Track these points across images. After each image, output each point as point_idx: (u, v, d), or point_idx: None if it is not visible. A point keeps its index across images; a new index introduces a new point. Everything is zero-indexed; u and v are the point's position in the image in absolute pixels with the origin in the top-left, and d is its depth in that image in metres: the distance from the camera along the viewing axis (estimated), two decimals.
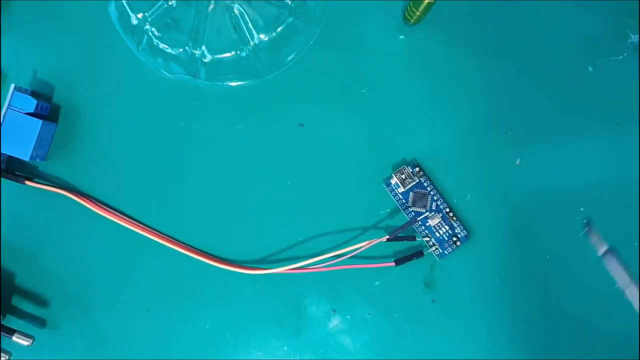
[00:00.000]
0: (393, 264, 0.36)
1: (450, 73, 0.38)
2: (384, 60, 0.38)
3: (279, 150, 0.38)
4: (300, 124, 0.38)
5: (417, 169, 0.37)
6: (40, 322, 0.37)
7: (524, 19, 0.38)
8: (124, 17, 0.36)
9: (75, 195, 0.37)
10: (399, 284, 0.37)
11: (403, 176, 0.37)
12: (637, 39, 0.38)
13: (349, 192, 0.37)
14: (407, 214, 0.37)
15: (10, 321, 0.36)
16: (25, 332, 0.35)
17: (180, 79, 0.37)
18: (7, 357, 0.35)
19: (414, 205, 0.37)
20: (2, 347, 0.35)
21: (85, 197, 0.37)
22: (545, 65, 0.38)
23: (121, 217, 0.37)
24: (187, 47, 0.35)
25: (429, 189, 0.37)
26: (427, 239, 0.37)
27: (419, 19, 0.36)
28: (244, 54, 0.36)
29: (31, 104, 0.35)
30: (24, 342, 0.34)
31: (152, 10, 0.35)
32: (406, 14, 0.37)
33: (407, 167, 0.37)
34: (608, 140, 0.37)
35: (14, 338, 0.34)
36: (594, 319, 0.36)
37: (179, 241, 0.37)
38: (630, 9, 0.38)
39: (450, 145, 0.38)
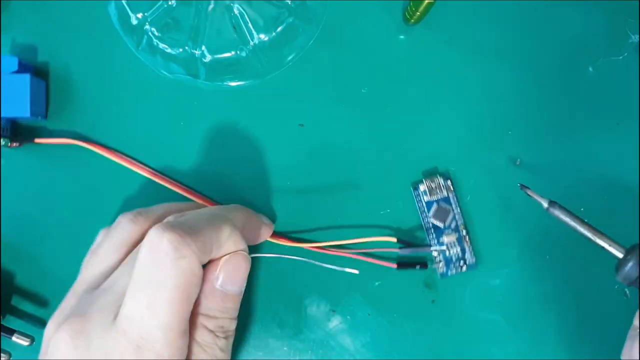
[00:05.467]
0: (395, 266, 0.36)
1: (450, 73, 0.38)
2: (384, 60, 0.38)
3: (279, 150, 0.38)
4: (300, 124, 0.38)
5: (449, 182, 0.37)
6: (40, 322, 0.37)
7: (524, 19, 0.38)
8: (123, 17, 0.36)
9: (87, 143, 0.37)
10: (399, 284, 0.37)
11: (433, 185, 0.36)
12: (638, 38, 0.38)
13: (349, 192, 0.37)
14: (425, 224, 0.37)
15: (10, 321, 0.36)
16: (25, 332, 0.35)
17: (180, 79, 0.37)
18: (6, 357, 0.35)
19: (434, 216, 0.36)
20: (1, 347, 0.35)
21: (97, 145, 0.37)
22: (546, 65, 0.38)
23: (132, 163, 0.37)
24: (186, 47, 0.35)
25: (454, 205, 0.37)
26: (436, 253, 0.36)
27: (419, 19, 0.36)
28: (243, 54, 0.36)
29: (13, 62, 0.35)
30: (24, 342, 0.34)
31: (152, 10, 0.35)
32: (406, 13, 0.37)
33: (439, 177, 0.36)
34: (608, 140, 0.37)
35: (14, 338, 0.34)
36: (594, 318, 0.36)
37: None
38: (631, 8, 0.38)
39: (449, 144, 0.38)
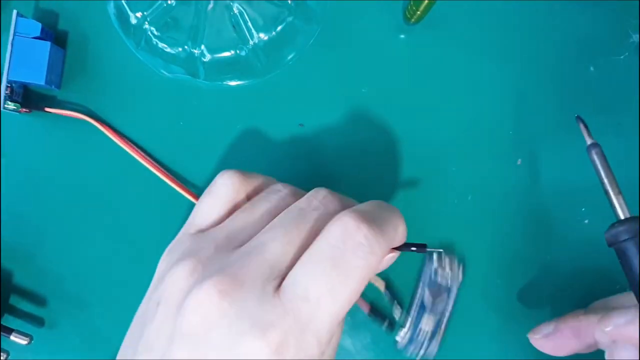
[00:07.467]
0: (368, 308, 0.36)
1: (451, 72, 0.38)
2: (384, 60, 0.38)
3: (279, 150, 0.38)
4: (300, 124, 0.38)
5: (461, 275, 0.36)
6: (38, 321, 0.37)
7: (525, 19, 0.38)
8: (123, 17, 0.36)
9: (97, 121, 0.37)
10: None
11: (447, 269, 0.35)
12: (638, 38, 0.38)
13: (347, 193, 0.37)
14: (417, 292, 0.36)
15: (8, 320, 0.36)
16: (23, 331, 0.35)
17: (180, 78, 0.37)
18: (5, 356, 0.35)
19: (431, 296, 0.35)
20: (0, 346, 0.35)
21: (106, 124, 0.37)
22: (546, 65, 0.38)
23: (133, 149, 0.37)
24: (186, 47, 0.36)
25: (451, 301, 0.35)
26: (407, 326, 0.35)
27: (420, 18, 0.36)
28: (243, 53, 0.36)
29: (36, 27, 0.35)
30: (22, 341, 0.34)
31: (151, 9, 0.35)
32: (406, 13, 0.37)
33: (459, 268, 0.35)
34: (609, 140, 0.37)
35: (12, 337, 0.34)
36: None
37: None
38: (632, 8, 0.38)
39: (450, 144, 0.37)
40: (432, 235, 0.37)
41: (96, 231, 0.37)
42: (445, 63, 0.38)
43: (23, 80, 0.36)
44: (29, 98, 0.37)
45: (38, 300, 0.37)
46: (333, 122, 0.38)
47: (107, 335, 0.37)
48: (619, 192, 0.30)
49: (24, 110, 0.36)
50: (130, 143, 0.37)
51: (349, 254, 0.25)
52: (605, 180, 0.30)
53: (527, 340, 0.36)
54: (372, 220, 0.26)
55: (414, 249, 0.32)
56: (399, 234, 0.28)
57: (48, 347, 0.36)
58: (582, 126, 0.31)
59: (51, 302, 0.37)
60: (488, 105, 0.38)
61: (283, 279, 0.25)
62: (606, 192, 0.30)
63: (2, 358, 0.35)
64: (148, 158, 0.37)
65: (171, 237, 0.36)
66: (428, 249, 0.32)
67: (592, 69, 0.38)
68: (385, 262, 0.28)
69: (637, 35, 0.38)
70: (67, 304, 0.37)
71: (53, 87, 0.37)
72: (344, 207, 0.27)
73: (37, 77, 0.35)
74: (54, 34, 0.37)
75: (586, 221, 0.37)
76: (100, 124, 0.37)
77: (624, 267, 0.29)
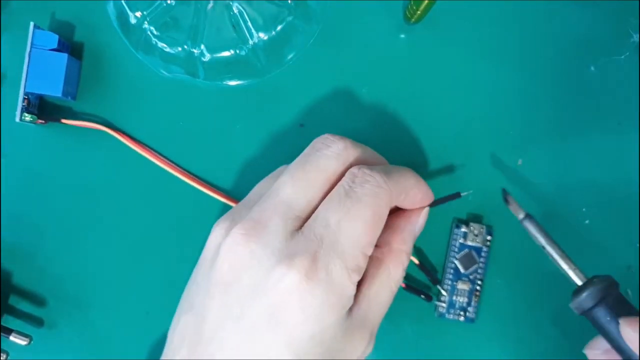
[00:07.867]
0: (403, 285, 0.36)
1: (451, 72, 0.38)
2: (385, 60, 0.38)
3: (279, 150, 0.37)
4: (300, 124, 0.38)
5: (490, 237, 0.36)
6: (38, 322, 0.37)
7: (525, 18, 0.38)
8: (122, 16, 0.36)
9: (113, 131, 0.37)
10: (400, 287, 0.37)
11: (475, 232, 0.36)
12: (639, 38, 0.38)
13: None
14: (447, 261, 0.37)
15: (8, 321, 0.36)
16: (23, 331, 0.35)
17: (179, 78, 0.37)
18: (4, 356, 0.35)
19: (460, 260, 0.36)
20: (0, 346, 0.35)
21: (123, 134, 0.37)
22: (547, 65, 0.38)
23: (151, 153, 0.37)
24: (186, 46, 0.35)
25: (482, 260, 0.36)
26: (444, 293, 0.36)
27: (420, 18, 0.36)
28: (243, 53, 0.36)
29: (53, 39, 0.35)
30: (21, 341, 0.34)
31: (151, 9, 0.35)
32: (407, 12, 0.36)
33: (483, 227, 0.36)
34: (610, 139, 0.37)
35: (12, 337, 0.34)
36: None
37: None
38: (632, 8, 0.38)
39: (450, 144, 0.37)
40: (432, 235, 0.37)
41: (96, 231, 0.37)
42: (445, 63, 0.38)
43: (40, 92, 0.36)
44: (44, 109, 0.37)
45: (38, 300, 0.37)
46: (333, 122, 0.38)
47: (107, 335, 0.37)
48: (567, 256, 0.30)
49: (40, 121, 0.36)
50: (147, 148, 0.37)
51: (358, 187, 0.28)
52: (549, 249, 0.31)
53: (526, 340, 0.36)
54: (376, 168, 0.30)
55: (449, 200, 0.35)
56: (410, 183, 0.31)
57: (48, 348, 0.36)
58: (510, 200, 0.32)
59: (51, 302, 0.37)
60: (488, 105, 0.38)
61: (305, 221, 0.29)
62: (555, 261, 0.31)
63: (1, 358, 0.35)
64: (164, 159, 0.37)
65: (174, 236, 0.37)
66: (462, 194, 0.35)
67: (592, 69, 0.38)
68: (420, 219, 0.33)
69: (638, 35, 0.38)
70: (66, 304, 0.37)
71: (69, 98, 0.37)
72: (346, 143, 0.31)
73: (53, 89, 0.35)
74: (70, 45, 0.37)
75: (586, 221, 0.37)
76: (117, 133, 0.37)
77: (602, 335, 0.29)
